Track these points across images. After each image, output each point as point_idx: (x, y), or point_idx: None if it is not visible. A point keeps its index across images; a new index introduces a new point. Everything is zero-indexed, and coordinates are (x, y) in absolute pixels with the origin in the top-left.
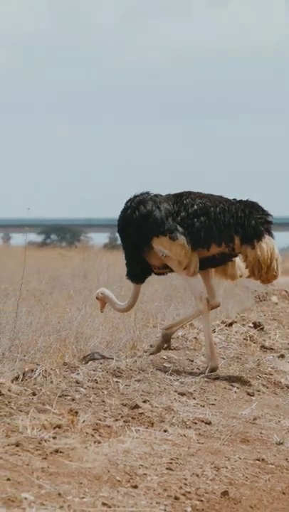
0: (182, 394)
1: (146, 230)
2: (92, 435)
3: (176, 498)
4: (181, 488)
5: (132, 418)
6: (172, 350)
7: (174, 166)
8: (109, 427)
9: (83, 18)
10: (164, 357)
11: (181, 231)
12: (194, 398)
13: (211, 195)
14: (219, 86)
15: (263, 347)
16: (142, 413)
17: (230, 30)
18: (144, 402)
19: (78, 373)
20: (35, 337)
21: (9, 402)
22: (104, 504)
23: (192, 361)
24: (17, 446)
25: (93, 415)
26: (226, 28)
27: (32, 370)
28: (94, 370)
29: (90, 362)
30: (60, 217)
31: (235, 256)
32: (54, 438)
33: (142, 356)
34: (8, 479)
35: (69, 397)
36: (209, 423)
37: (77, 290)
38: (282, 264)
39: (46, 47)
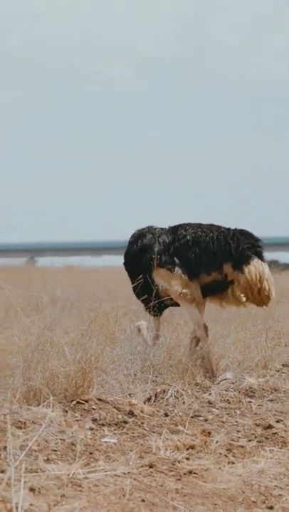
0: None
1: (147, 263)
2: (226, 456)
3: None
4: None
5: (266, 438)
6: None
7: None
8: (242, 447)
9: (208, 39)
10: None
11: (178, 263)
12: None
13: (211, 224)
14: None
15: None
16: (275, 433)
17: None
18: (278, 421)
19: (210, 393)
20: (166, 358)
21: (142, 423)
22: None
23: None
24: (151, 467)
25: (226, 435)
26: None
27: (164, 391)
28: (226, 390)
29: (221, 382)
30: None
31: (231, 283)
32: (187, 459)
33: (275, 375)
34: (143, 500)
35: (201, 418)
36: None
37: (207, 310)
38: None
39: (171, 67)
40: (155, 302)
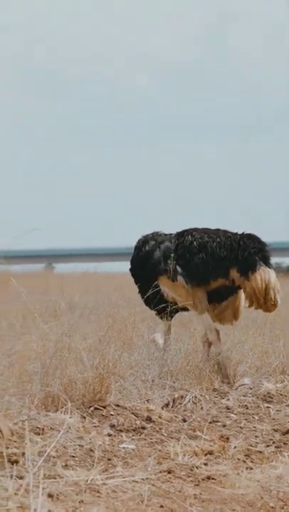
0: None
1: (150, 270)
2: (244, 461)
3: None
4: None
5: (284, 443)
6: None
7: None
8: (260, 452)
9: (229, 47)
10: None
11: (180, 271)
12: None
13: (218, 229)
14: None
15: None
16: None
17: None
18: None
19: (228, 399)
20: (184, 363)
21: (160, 429)
22: None
23: None
24: (169, 473)
25: (244, 441)
26: None
27: (182, 397)
28: (244, 396)
29: (239, 387)
30: None
31: (239, 288)
32: (206, 464)
33: None
34: (162, 506)
35: (220, 423)
36: None
37: None
38: None
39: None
40: (162, 307)
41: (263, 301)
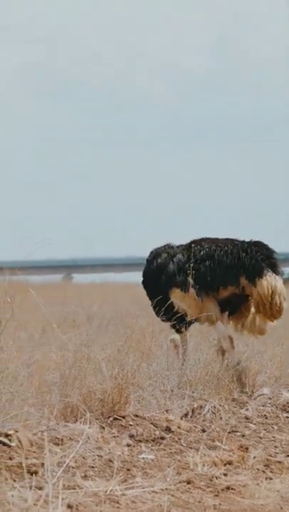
0: None
1: (162, 283)
2: (264, 471)
3: None
4: None
5: None
6: None
7: None
8: (280, 462)
9: (245, 54)
10: None
11: (192, 283)
12: None
13: (226, 239)
14: None
15: None
16: None
17: None
18: None
19: (247, 409)
20: (203, 373)
21: (179, 439)
22: None
23: None
24: (188, 483)
25: (264, 451)
26: None
27: (201, 407)
28: (263, 406)
29: (258, 397)
30: None
31: (249, 296)
32: (225, 475)
33: None
34: None
35: (239, 433)
36: None
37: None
38: None
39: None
40: (176, 319)
41: (269, 306)
